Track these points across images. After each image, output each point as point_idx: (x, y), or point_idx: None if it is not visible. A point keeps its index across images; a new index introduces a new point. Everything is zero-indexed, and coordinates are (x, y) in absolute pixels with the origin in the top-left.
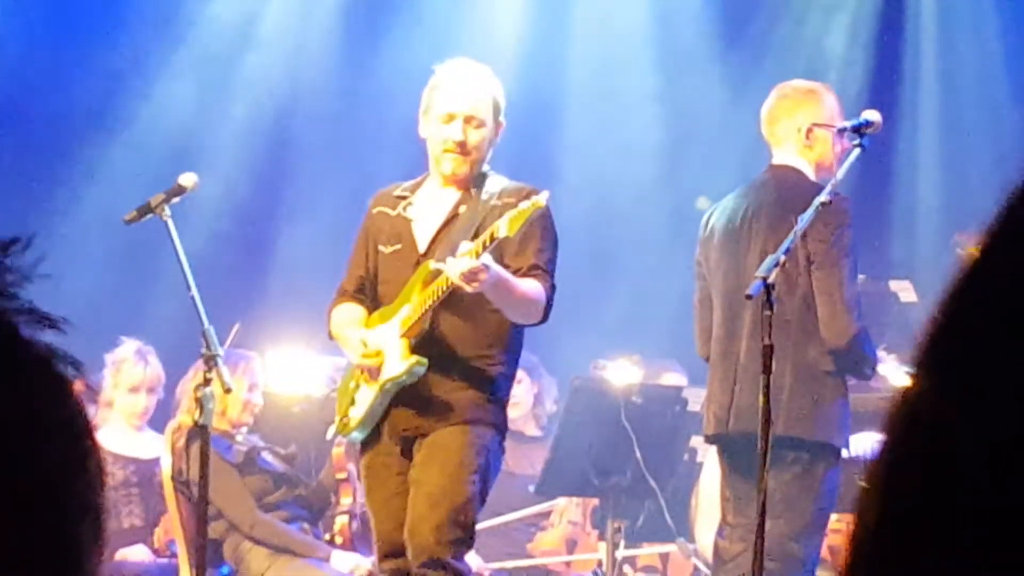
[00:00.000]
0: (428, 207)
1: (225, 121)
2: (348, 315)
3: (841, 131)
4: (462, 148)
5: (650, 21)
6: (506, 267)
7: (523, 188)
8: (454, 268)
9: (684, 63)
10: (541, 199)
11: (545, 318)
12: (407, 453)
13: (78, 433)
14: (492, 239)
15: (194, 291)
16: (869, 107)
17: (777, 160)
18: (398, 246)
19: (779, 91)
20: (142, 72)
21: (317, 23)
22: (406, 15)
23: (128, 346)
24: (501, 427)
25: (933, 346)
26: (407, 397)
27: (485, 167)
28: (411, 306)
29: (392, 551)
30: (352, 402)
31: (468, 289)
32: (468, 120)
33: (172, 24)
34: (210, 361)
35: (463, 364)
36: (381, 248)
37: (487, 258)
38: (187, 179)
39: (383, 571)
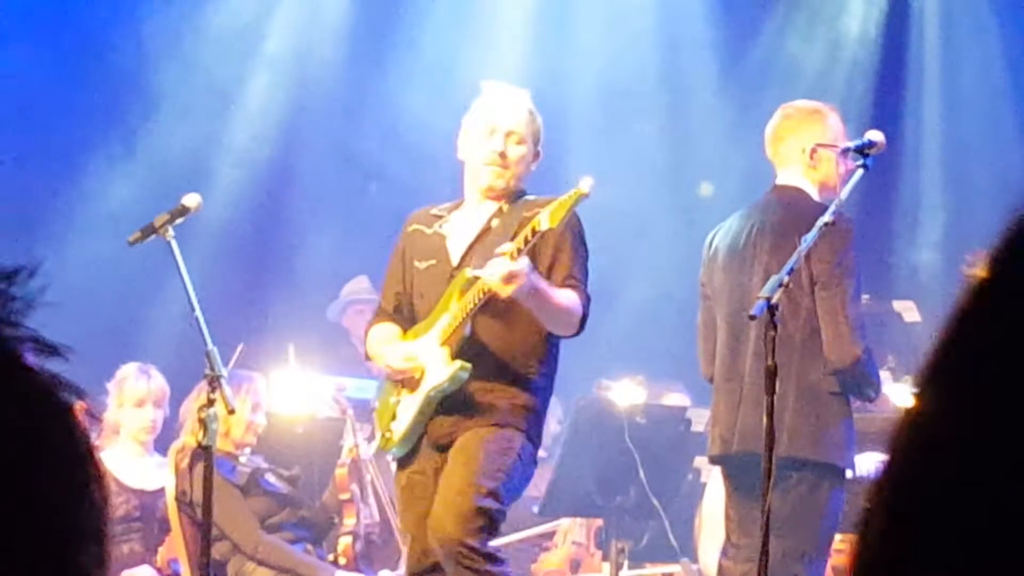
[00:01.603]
0: (462, 224)
1: (229, 142)
2: (384, 333)
3: (845, 151)
4: (503, 160)
5: (655, 42)
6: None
7: (555, 197)
8: (492, 271)
9: (688, 84)
10: (584, 187)
11: (581, 329)
12: (442, 463)
13: (81, 460)
14: (534, 233)
15: (198, 312)
16: (872, 127)
17: (781, 180)
18: (432, 261)
19: (783, 111)
20: (146, 94)
21: (320, 45)
22: (408, 42)
23: (129, 366)
24: (534, 436)
25: (938, 366)
26: (444, 407)
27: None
28: (450, 315)
29: (420, 570)
30: (393, 416)
31: (505, 293)
32: (509, 135)
33: (177, 44)
34: (214, 382)
35: (500, 373)
36: (416, 264)
37: (524, 261)
38: (191, 200)
39: None
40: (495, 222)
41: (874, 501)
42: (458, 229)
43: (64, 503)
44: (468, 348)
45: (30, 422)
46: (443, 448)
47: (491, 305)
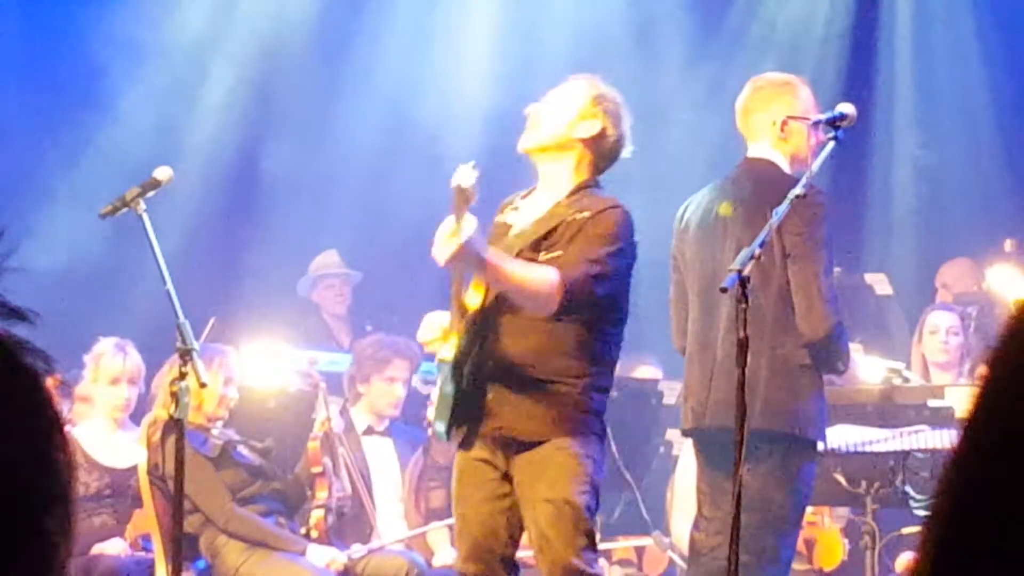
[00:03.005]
0: (525, 213)
1: (200, 115)
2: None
3: (816, 124)
4: (528, 118)
5: (626, 15)
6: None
7: (602, 203)
8: (437, 245)
9: (659, 57)
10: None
11: (559, 308)
12: (504, 462)
13: (46, 426)
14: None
15: (169, 285)
16: (844, 100)
17: (752, 153)
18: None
19: (754, 84)
20: (118, 66)
21: (292, 18)
22: (380, 12)
23: (106, 341)
24: (601, 435)
25: (1002, 360)
26: (504, 404)
27: (591, 179)
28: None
29: (476, 554)
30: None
31: (442, 261)
32: (542, 101)
33: (149, 18)
34: (185, 355)
35: (543, 379)
36: None
37: (469, 229)
38: (162, 173)
39: (464, 572)
40: (548, 220)
41: (946, 494)
42: (520, 218)
43: (27, 466)
44: (506, 340)
45: None
46: (500, 441)
47: (507, 308)
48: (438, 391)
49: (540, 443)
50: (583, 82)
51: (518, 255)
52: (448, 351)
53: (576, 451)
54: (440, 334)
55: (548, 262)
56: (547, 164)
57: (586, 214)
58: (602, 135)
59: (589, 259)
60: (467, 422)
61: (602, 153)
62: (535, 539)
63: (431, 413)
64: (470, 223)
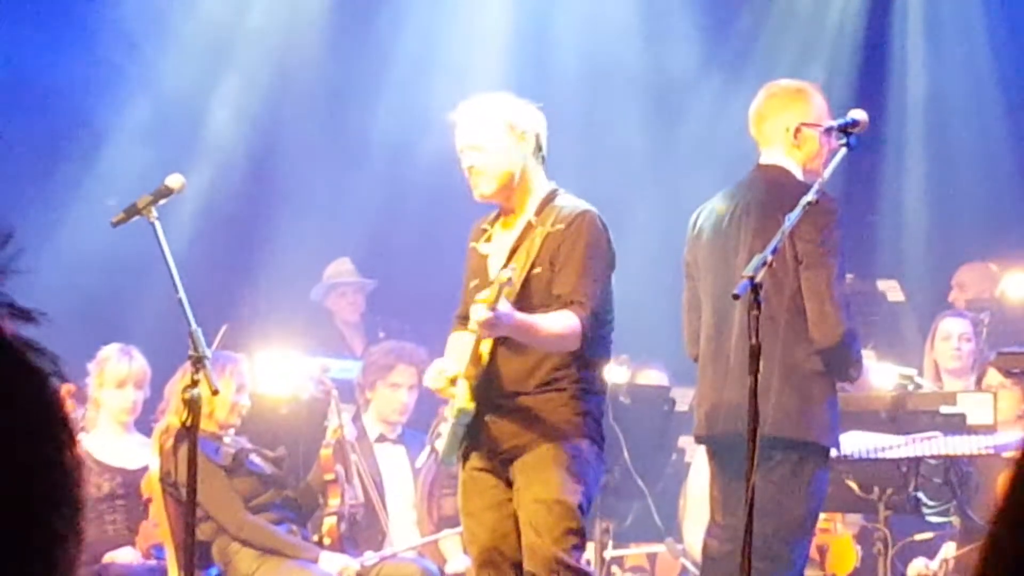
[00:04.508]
0: (500, 241)
1: (212, 122)
2: (452, 342)
3: (828, 130)
4: (471, 174)
5: (637, 19)
6: (551, 294)
7: (573, 212)
8: (472, 317)
9: (671, 62)
10: (503, 276)
11: (582, 346)
12: (504, 470)
13: (53, 425)
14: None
15: (181, 293)
16: (856, 106)
17: (765, 159)
18: (476, 281)
19: (767, 90)
20: (131, 73)
21: (304, 23)
22: (391, 26)
23: (110, 347)
24: (597, 438)
25: None
26: (500, 421)
27: (549, 185)
28: (470, 343)
29: (488, 559)
30: (438, 434)
31: (485, 336)
32: (464, 150)
33: (161, 25)
34: (197, 363)
35: (543, 385)
36: (469, 284)
37: (503, 305)
38: (174, 180)
39: None
40: (526, 240)
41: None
42: (497, 246)
43: (35, 465)
44: (505, 365)
45: (2, 385)
46: (503, 461)
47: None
48: (451, 432)
49: (536, 448)
50: (490, 113)
51: (521, 291)
52: (462, 400)
53: (569, 452)
54: (447, 381)
55: (535, 278)
56: (509, 197)
57: (560, 227)
58: (536, 139)
59: (589, 286)
60: (471, 444)
61: (540, 147)
62: (524, 539)
63: (439, 444)
64: (503, 303)
